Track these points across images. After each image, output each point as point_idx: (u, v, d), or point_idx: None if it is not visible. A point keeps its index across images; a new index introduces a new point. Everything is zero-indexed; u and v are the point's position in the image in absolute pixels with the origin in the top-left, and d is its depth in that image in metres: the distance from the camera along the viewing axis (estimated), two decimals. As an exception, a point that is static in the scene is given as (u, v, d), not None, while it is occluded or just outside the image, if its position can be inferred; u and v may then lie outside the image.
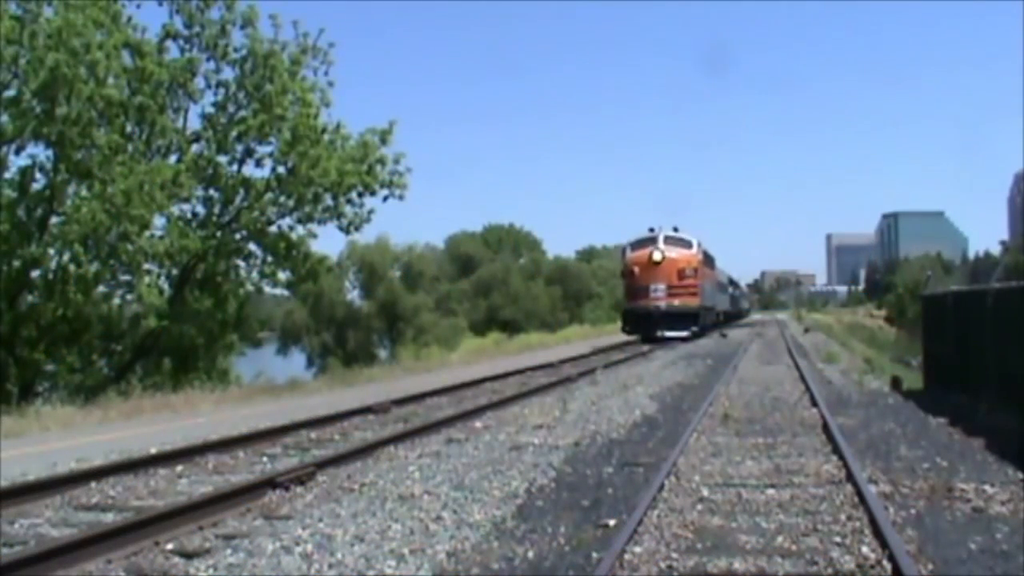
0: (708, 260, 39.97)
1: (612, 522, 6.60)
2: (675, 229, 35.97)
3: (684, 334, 33.87)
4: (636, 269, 34.57)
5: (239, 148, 24.18)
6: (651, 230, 35.48)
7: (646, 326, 34.27)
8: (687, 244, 35.64)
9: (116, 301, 24.09)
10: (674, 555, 5.76)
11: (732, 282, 65.77)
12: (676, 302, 34.08)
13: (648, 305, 33.98)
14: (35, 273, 22.25)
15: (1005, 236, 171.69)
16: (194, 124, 24.34)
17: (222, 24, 23.64)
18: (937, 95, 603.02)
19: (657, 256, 33.85)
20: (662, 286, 33.96)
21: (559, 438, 10.42)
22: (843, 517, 6.64)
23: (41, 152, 21.71)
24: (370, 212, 24.89)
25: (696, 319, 34.87)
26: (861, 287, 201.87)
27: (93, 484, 8.15)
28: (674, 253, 34.52)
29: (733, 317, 65.66)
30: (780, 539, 6.12)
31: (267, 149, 24.17)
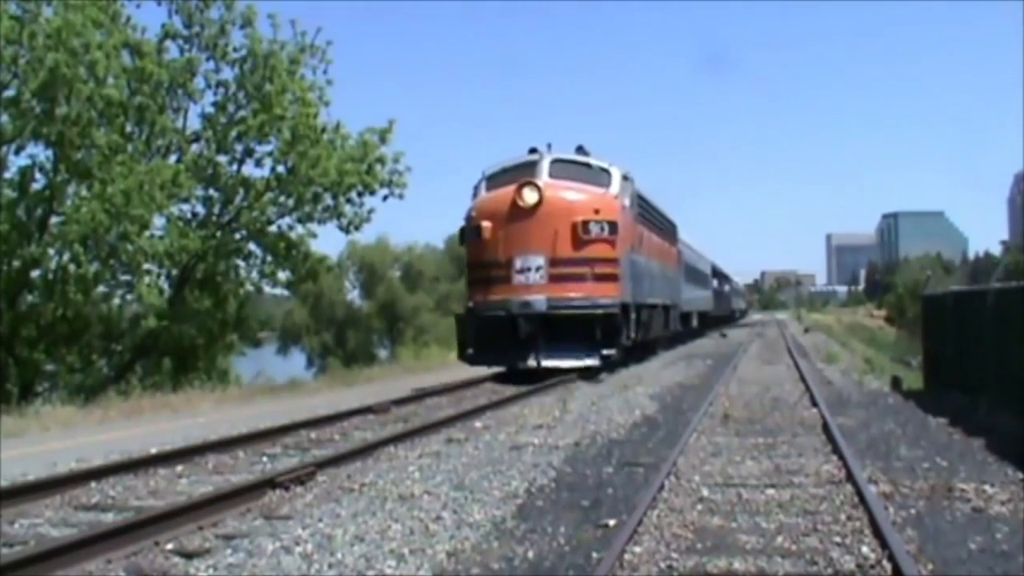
0: (649, 215, 23.00)
1: (612, 522, 6.60)
2: (580, 149, 19.41)
3: (588, 362, 17.50)
4: (487, 227, 17.83)
5: (239, 148, 24.19)
6: (532, 151, 18.98)
7: (504, 346, 17.53)
8: (597, 176, 18.67)
9: (116, 301, 24.11)
10: (674, 555, 5.76)
11: (719, 274, 50.14)
12: (571, 294, 17.45)
13: (508, 301, 17.42)
14: (35, 273, 22.26)
15: (1005, 236, 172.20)
16: (194, 124, 24.39)
17: (221, 24, 23.65)
18: (937, 95, 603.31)
19: (529, 197, 17.50)
20: (538, 260, 17.48)
21: (559, 438, 10.41)
22: (843, 517, 6.64)
23: (41, 152, 21.77)
24: (370, 212, 24.91)
25: (615, 330, 17.67)
26: (861, 287, 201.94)
27: (93, 484, 8.14)
28: (569, 193, 17.98)
29: (720, 320, 50.85)
30: (780, 539, 6.12)
31: (267, 149, 24.21)
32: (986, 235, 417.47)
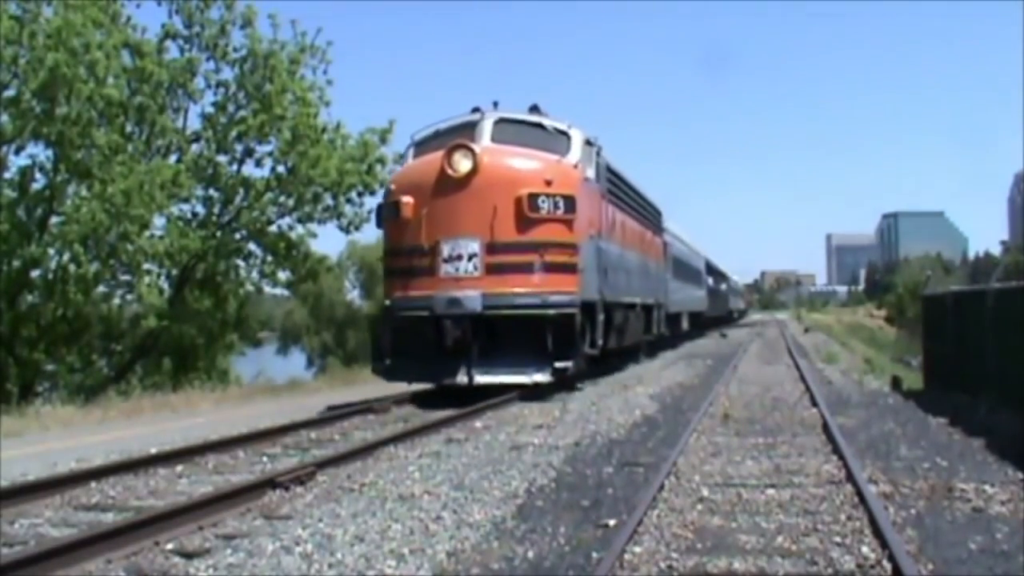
0: (624, 195, 19.49)
1: (612, 522, 6.60)
2: (535, 108, 15.94)
3: (537, 377, 13.93)
4: (407, 204, 14.34)
5: (239, 148, 24.21)
6: (475, 111, 15.46)
7: (428, 357, 14.19)
8: (552, 140, 15.16)
9: (116, 301, 24.13)
10: (674, 555, 5.76)
11: (714, 271, 46.52)
12: (514, 289, 13.93)
13: (432, 299, 13.97)
14: (35, 273, 22.26)
15: (1005, 236, 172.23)
16: (194, 124, 24.41)
17: (222, 24, 23.68)
18: (937, 95, 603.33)
19: (461, 165, 14.06)
20: (471, 246, 13.95)
21: (559, 438, 10.41)
22: (843, 517, 6.64)
23: (41, 152, 21.78)
24: (370, 212, 24.85)
25: (572, 335, 13.98)
26: (861, 287, 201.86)
27: (93, 484, 8.14)
28: (513, 160, 14.58)
29: (715, 322, 47.45)
30: (780, 539, 6.11)
31: (267, 149, 24.23)
32: (986, 235, 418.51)
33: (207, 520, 6.70)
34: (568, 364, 14.00)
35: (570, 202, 14.31)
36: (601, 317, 15.82)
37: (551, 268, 14.13)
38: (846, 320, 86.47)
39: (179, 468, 9.00)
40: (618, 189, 18.86)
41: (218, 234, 24.21)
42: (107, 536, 5.97)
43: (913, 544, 5.97)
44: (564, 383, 14.90)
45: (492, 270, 13.94)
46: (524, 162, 14.59)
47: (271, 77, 23.23)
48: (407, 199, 14.41)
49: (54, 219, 21.88)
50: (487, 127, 14.93)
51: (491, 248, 13.94)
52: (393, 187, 15.10)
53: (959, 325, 14.72)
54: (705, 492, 7.54)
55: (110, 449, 10.32)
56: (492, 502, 7.28)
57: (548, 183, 14.25)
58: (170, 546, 6.13)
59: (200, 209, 24.59)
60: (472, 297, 13.78)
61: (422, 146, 15.66)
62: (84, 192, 21.41)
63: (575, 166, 14.99)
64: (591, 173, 15.85)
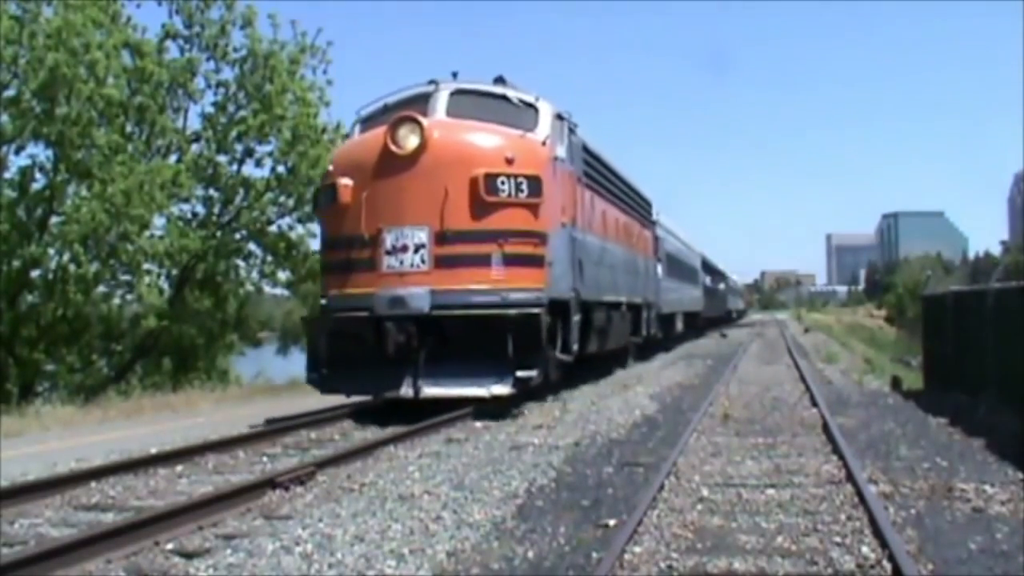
0: (605, 180, 17.64)
1: (612, 522, 6.59)
2: (500, 80, 14.20)
3: (494, 389, 11.98)
4: (346, 187, 12.58)
5: (239, 148, 24.21)
6: (432, 83, 13.48)
7: (368, 365, 12.31)
8: (516, 114, 13.29)
9: (116, 301, 24.11)
10: (674, 555, 5.76)
11: (712, 269, 44.67)
12: (468, 285, 12.19)
13: (372, 297, 12.26)
14: (35, 273, 22.26)
15: (1005, 236, 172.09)
16: (194, 124, 24.40)
17: (222, 24, 23.68)
18: (937, 95, 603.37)
19: (407, 140, 12.29)
20: (419, 235, 12.20)
21: (559, 438, 10.41)
22: (843, 517, 6.64)
23: (41, 152, 21.76)
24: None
25: (536, 339, 11.99)
26: (861, 287, 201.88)
27: (93, 484, 8.14)
28: (469, 134, 12.79)
29: (713, 323, 45.66)
30: (780, 539, 6.11)
31: (267, 149, 24.22)
32: (986, 235, 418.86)
33: (207, 520, 6.71)
34: (532, 374, 12.08)
35: (535, 184, 12.44)
36: (576, 318, 13.95)
37: (513, 261, 12.26)
38: (846, 320, 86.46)
39: (179, 468, 9.01)
40: (598, 174, 16.93)
41: (218, 234, 24.21)
42: (107, 536, 5.97)
43: (913, 544, 5.97)
44: (519, 397, 12.69)
45: (442, 263, 12.12)
46: (481, 137, 12.71)
47: (271, 77, 23.24)
48: (345, 181, 12.57)
49: (54, 219, 21.88)
50: (442, 99, 13.08)
51: (441, 238, 12.11)
52: (331, 168, 13.39)
53: (959, 325, 14.72)
54: (705, 492, 7.54)
55: (110, 449, 10.32)
56: (492, 502, 7.28)
57: (509, 161, 12.36)
58: (170, 546, 6.13)
59: (200, 209, 24.62)
60: (418, 295, 12.02)
61: (369, 122, 13.64)
62: (84, 192, 21.40)
63: (543, 143, 13.05)
64: (562, 152, 13.81)
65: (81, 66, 20.16)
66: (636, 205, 21.53)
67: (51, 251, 21.73)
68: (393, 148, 12.27)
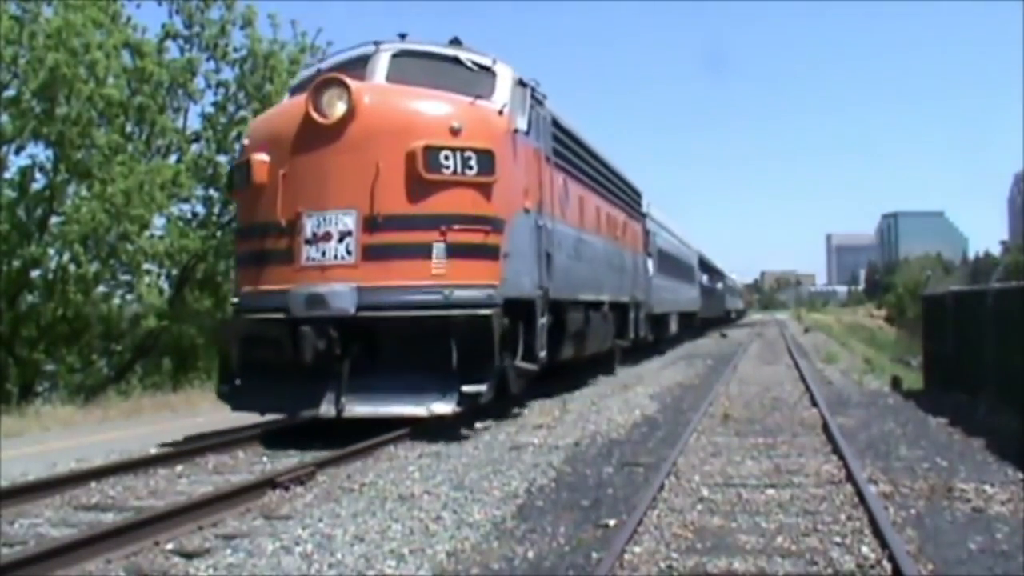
0: (583, 162, 15.86)
1: (612, 522, 6.59)
2: (455, 42, 12.13)
3: (435, 407, 10.02)
4: (261, 164, 10.71)
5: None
6: (373, 44, 11.56)
7: (284, 377, 10.22)
8: (468, 79, 11.33)
9: (116, 301, 24.11)
10: (674, 555, 5.76)
11: (709, 267, 43.30)
12: (403, 281, 10.24)
13: (288, 295, 10.35)
14: (35, 273, 22.26)
15: (1005, 236, 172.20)
16: (194, 124, 24.39)
17: (222, 24, 23.67)
18: (937, 95, 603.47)
19: (332, 108, 10.35)
20: (344, 220, 10.24)
21: (559, 438, 10.41)
22: (843, 517, 6.64)
23: (41, 152, 21.76)
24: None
25: (487, 345, 10.01)
26: (861, 287, 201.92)
27: (93, 484, 8.14)
28: (407, 100, 10.87)
29: (710, 324, 44.15)
30: (780, 539, 6.11)
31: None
32: (986, 235, 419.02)
33: (207, 520, 6.71)
34: (481, 388, 10.01)
35: (487, 159, 10.52)
36: (543, 320, 12.09)
37: (459, 252, 10.34)
38: (846, 320, 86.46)
39: (179, 468, 9.01)
40: (573, 154, 14.90)
41: (218, 234, 24.20)
42: (107, 536, 5.97)
43: (913, 544, 5.97)
44: (468, 416, 10.72)
45: (372, 255, 10.19)
46: (422, 103, 10.82)
47: (271, 77, 23.25)
48: (260, 157, 10.70)
49: (54, 219, 21.89)
50: (382, 61, 11.24)
51: (371, 224, 10.17)
52: (246, 142, 11.54)
53: (959, 325, 14.72)
54: (705, 492, 7.54)
55: (110, 449, 10.31)
56: (492, 502, 7.28)
57: (455, 132, 10.43)
58: (170, 546, 6.13)
59: (200, 209, 24.61)
60: (341, 292, 10.09)
61: (299, 92, 11.64)
62: (84, 192, 21.41)
63: (499, 112, 11.12)
64: (522, 124, 11.73)
65: (81, 66, 20.16)
66: (622, 194, 19.76)
67: (51, 251, 21.73)
68: (316, 117, 10.36)
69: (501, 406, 11.72)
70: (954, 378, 14.87)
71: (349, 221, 10.22)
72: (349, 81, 10.42)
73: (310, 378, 10.09)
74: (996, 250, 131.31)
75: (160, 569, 5.71)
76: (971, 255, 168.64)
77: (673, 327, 28.22)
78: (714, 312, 46.12)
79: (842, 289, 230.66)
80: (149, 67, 22.20)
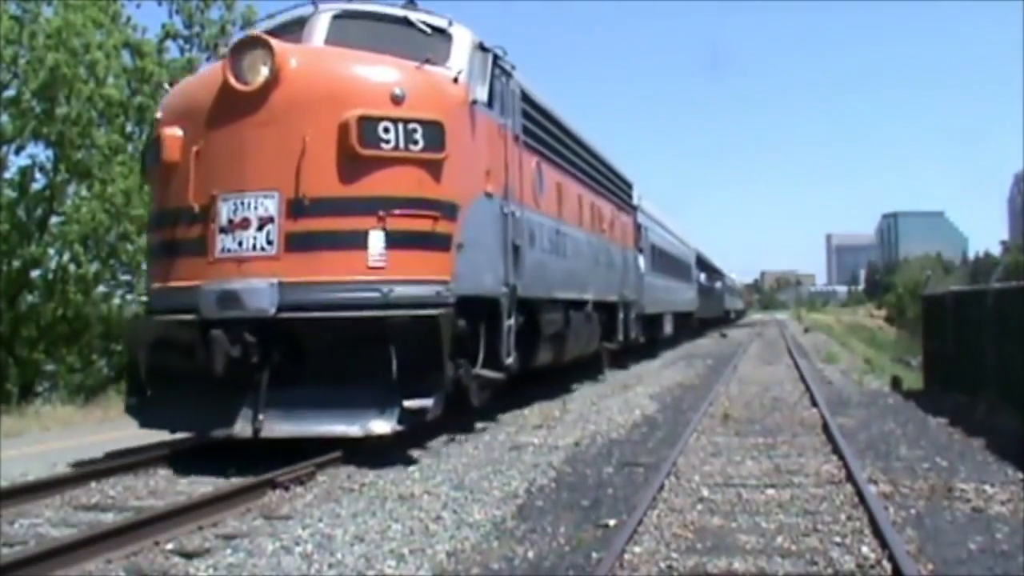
0: (561, 144, 14.23)
1: (612, 522, 6.60)
2: (411, 3, 10.30)
3: (372, 425, 8.37)
4: (173, 139, 9.19)
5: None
6: (314, 4, 10.01)
7: (196, 389, 8.69)
8: (419, 42, 9.68)
9: (116, 301, 24.10)
10: (674, 555, 5.76)
11: (707, 266, 41.97)
12: (334, 277, 8.64)
13: (198, 292, 8.75)
14: (35, 273, 22.26)
15: (1005, 236, 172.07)
16: (194, 124, 24.36)
17: (222, 24, 23.66)
18: (937, 95, 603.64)
19: (252, 73, 8.74)
20: (265, 204, 8.66)
21: (559, 438, 10.41)
22: (843, 517, 6.64)
23: (41, 152, 21.75)
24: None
25: (434, 352, 8.42)
26: (861, 287, 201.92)
27: (93, 484, 8.13)
28: (343, 64, 9.26)
29: (708, 324, 43.12)
30: (780, 539, 6.12)
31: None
32: (986, 235, 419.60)
33: (207, 520, 6.71)
34: (427, 403, 8.47)
35: (436, 132, 9.00)
36: (510, 322, 10.76)
37: (401, 241, 8.82)
38: (846, 320, 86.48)
39: (179, 468, 8.98)
40: (549, 135, 13.30)
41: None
42: (107, 536, 5.97)
43: (913, 544, 5.97)
44: (407, 437, 9.08)
45: (297, 245, 8.69)
46: (358, 67, 9.28)
47: (271, 77, 23.24)
48: (172, 132, 9.28)
49: (54, 219, 21.88)
50: (320, 23, 9.81)
51: (297, 208, 8.68)
52: (158, 115, 9.90)
53: (959, 325, 14.72)
54: (705, 492, 7.54)
55: (110, 449, 10.31)
56: (492, 502, 7.28)
57: (397, 101, 8.89)
58: (170, 546, 6.13)
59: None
60: (259, 289, 8.59)
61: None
62: (84, 192, 21.42)
63: (454, 80, 9.59)
64: (481, 94, 10.15)
65: (81, 66, 20.17)
66: (609, 183, 18.09)
67: (51, 251, 21.73)
68: (234, 84, 8.84)
69: (464, 421, 10.57)
70: (954, 378, 14.86)
71: (270, 205, 8.71)
72: (273, 42, 8.91)
73: (222, 391, 8.57)
74: (996, 250, 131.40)
75: (160, 569, 5.71)
76: (971, 255, 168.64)
77: (668, 328, 26.95)
78: (712, 312, 44.66)
79: (842, 289, 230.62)
80: (149, 67, 22.19)
